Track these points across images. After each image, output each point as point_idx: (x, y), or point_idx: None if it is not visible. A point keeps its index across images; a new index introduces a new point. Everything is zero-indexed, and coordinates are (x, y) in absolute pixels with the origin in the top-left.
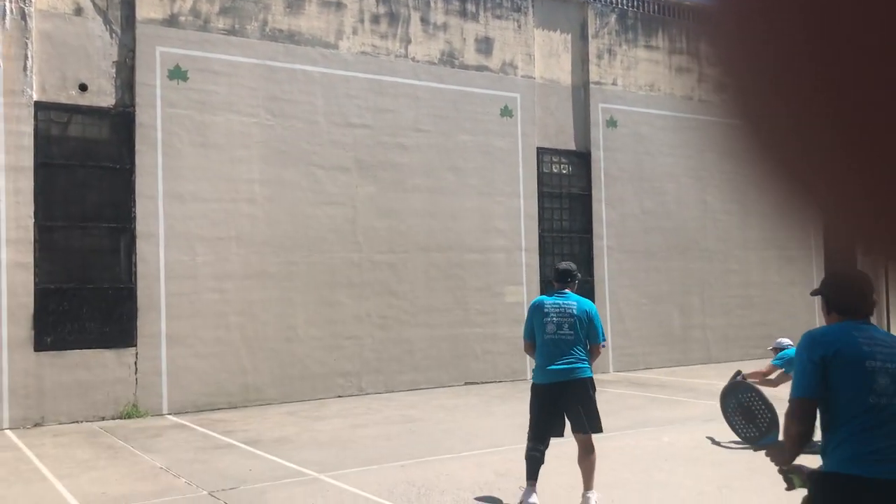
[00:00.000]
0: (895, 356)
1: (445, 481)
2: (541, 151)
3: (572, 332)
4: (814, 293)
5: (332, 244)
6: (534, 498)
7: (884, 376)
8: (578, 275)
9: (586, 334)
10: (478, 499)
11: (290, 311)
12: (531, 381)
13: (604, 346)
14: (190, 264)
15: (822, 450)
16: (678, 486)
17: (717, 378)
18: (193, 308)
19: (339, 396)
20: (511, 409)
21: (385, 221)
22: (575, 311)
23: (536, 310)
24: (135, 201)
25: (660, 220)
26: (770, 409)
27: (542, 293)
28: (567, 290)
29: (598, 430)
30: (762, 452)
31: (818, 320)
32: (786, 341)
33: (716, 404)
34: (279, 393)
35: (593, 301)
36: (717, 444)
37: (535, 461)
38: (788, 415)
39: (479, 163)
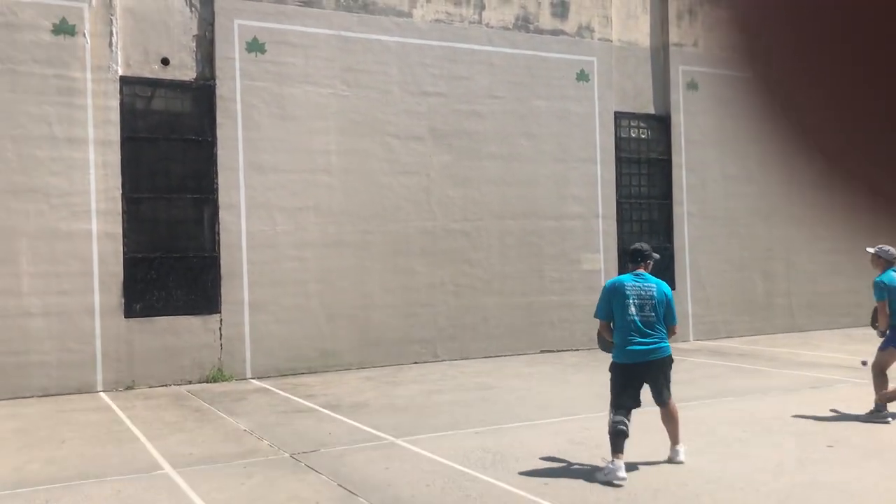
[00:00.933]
0: None
1: (520, 449)
2: (618, 116)
3: (654, 314)
4: None
5: (408, 213)
6: (622, 472)
7: None
8: (653, 254)
9: (664, 315)
10: (552, 466)
11: (366, 278)
12: (612, 360)
13: (677, 328)
14: (270, 233)
15: None
16: (756, 457)
17: (801, 347)
18: (274, 276)
19: (415, 363)
20: (587, 378)
21: (460, 190)
22: (655, 294)
23: (615, 291)
24: (217, 173)
25: (742, 185)
26: None
27: (619, 261)
28: (642, 271)
29: (670, 396)
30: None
31: None
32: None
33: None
34: (357, 358)
35: (673, 269)
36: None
37: (621, 435)
38: None
39: (555, 129)
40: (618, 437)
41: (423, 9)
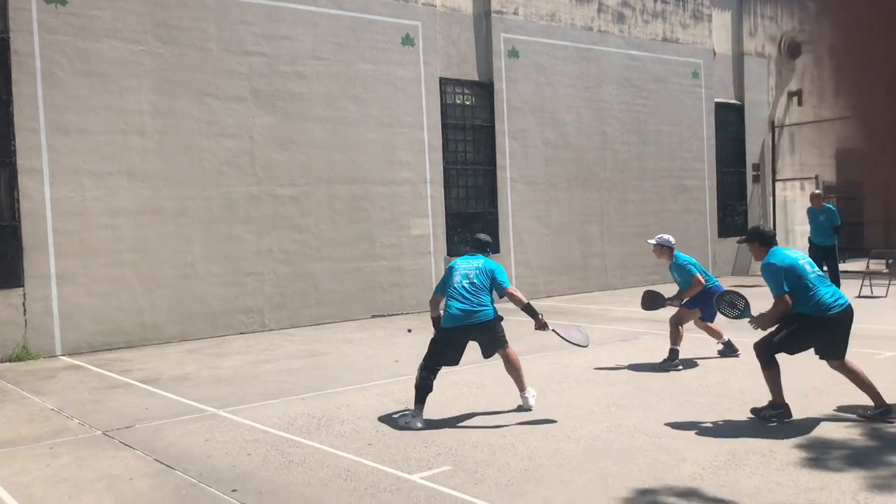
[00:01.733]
0: None
1: (346, 411)
2: (444, 82)
3: (476, 281)
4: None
5: (230, 178)
6: (420, 421)
7: None
8: (485, 242)
9: (491, 284)
10: (377, 426)
11: (187, 247)
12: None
13: (511, 289)
14: (78, 200)
15: None
16: (569, 406)
17: (614, 304)
18: (84, 246)
19: (242, 333)
20: (416, 340)
21: (285, 153)
22: (481, 265)
23: (450, 269)
24: (14, 134)
25: (561, 151)
26: (744, 298)
27: (447, 226)
28: (479, 254)
29: (504, 345)
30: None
31: (710, 247)
32: (669, 238)
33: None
34: (179, 331)
35: (497, 233)
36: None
37: (425, 389)
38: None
39: (382, 93)
40: (421, 392)
41: None
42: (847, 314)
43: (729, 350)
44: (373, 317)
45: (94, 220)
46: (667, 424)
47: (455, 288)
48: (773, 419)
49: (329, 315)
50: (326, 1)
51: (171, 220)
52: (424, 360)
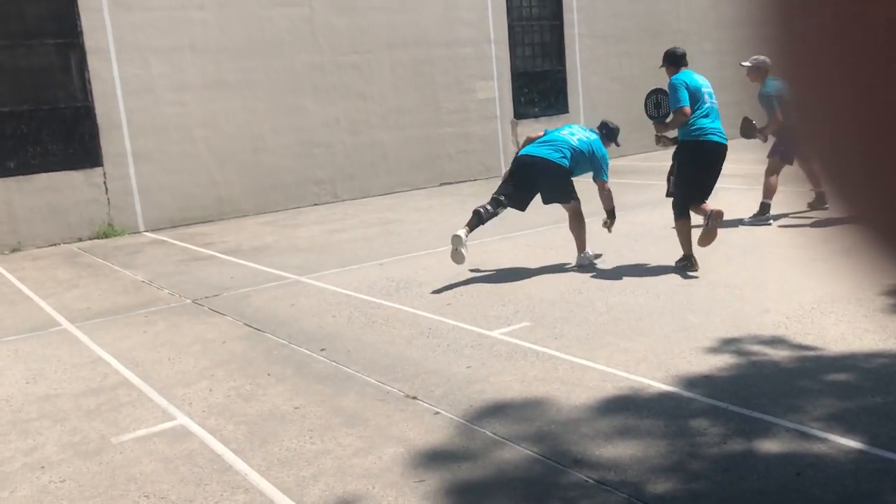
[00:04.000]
0: None
1: (423, 274)
2: None
3: (577, 144)
4: None
5: (292, 47)
6: (461, 236)
7: None
8: (615, 130)
9: (588, 160)
10: (454, 288)
11: (254, 120)
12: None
13: (607, 183)
14: (145, 77)
15: None
16: (648, 262)
17: None
18: (155, 123)
19: (315, 204)
20: None
21: (345, 19)
22: (594, 140)
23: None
24: (79, 14)
25: (631, 2)
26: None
27: (512, 87)
28: (597, 134)
29: (569, 199)
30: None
31: None
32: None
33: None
34: (254, 204)
35: (566, 91)
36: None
37: (479, 216)
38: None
39: None
40: (474, 217)
41: None
42: (719, 148)
43: (819, 203)
44: (441, 184)
45: (162, 96)
46: (749, 277)
47: (549, 134)
48: (683, 269)
49: (399, 184)
50: None
51: (236, 94)
52: (499, 189)
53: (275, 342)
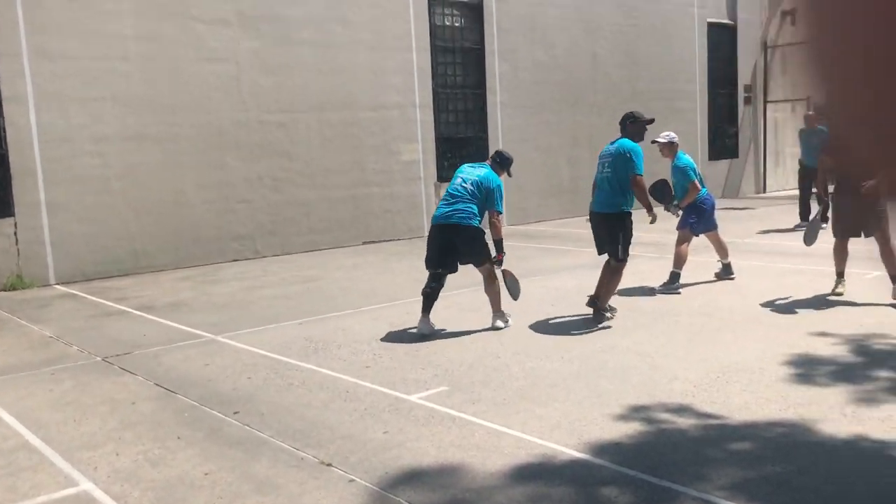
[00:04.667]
0: None
1: (342, 336)
2: (432, 2)
3: (471, 187)
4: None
5: (218, 103)
6: (424, 327)
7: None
8: (508, 159)
9: (483, 198)
10: (374, 349)
11: (176, 174)
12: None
13: (500, 215)
14: (64, 127)
15: None
16: (562, 327)
17: None
18: (72, 173)
19: (235, 260)
20: (409, 265)
21: (272, 78)
22: (482, 175)
23: (456, 172)
24: None
25: (551, 73)
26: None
27: (437, 150)
28: (488, 166)
29: (482, 261)
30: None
31: (700, 169)
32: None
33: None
34: (172, 258)
35: (487, 155)
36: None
37: (426, 297)
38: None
39: (369, 15)
40: (424, 299)
41: None
42: (594, 216)
43: (726, 272)
44: (364, 243)
45: (81, 146)
46: (659, 344)
47: (448, 189)
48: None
49: (322, 242)
50: None
51: (158, 147)
52: (426, 263)
53: (186, 404)
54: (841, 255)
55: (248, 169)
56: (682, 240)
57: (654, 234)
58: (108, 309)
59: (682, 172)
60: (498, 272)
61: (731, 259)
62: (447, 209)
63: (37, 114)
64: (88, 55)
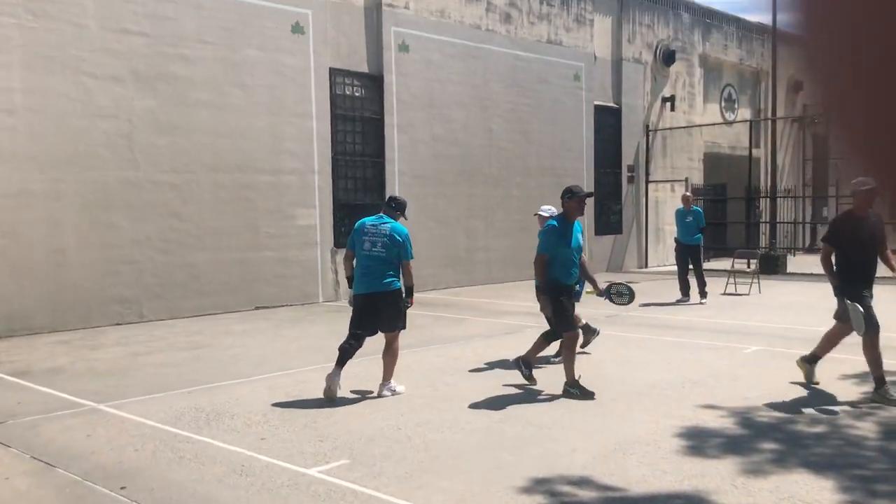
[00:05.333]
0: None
1: (235, 405)
2: (333, 72)
3: (384, 251)
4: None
5: (107, 161)
6: (336, 383)
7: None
8: (402, 203)
9: (397, 253)
10: (269, 420)
11: (58, 233)
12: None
13: (408, 265)
14: None
15: None
16: (461, 399)
17: (498, 297)
18: None
19: (118, 324)
20: (302, 332)
21: (166, 138)
22: (388, 232)
23: (359, 228)
24: None
25: (448, 146)
26: (629, 288)
27: (334, 216)
28: (385, 215)
29: (394, 328)
30: None
31: (587, 244)
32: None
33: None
34: (49, 321)
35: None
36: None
37: (343, 352)
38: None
39: (270, 80)
40: (342, 353)
41: None
42: None
43: (589, 332)
44: (256, 308)
45: None
46: (555, 415)
47: (364, 254)
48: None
49: (211, 306)
50: None
51: (41, 204)
52: (349, 325)
53: (67, 479)
54: (834, 342)
55: (136, 229)
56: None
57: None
58: None
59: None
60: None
61: (617, 332)
62: (369, 280)
63: None
64: None
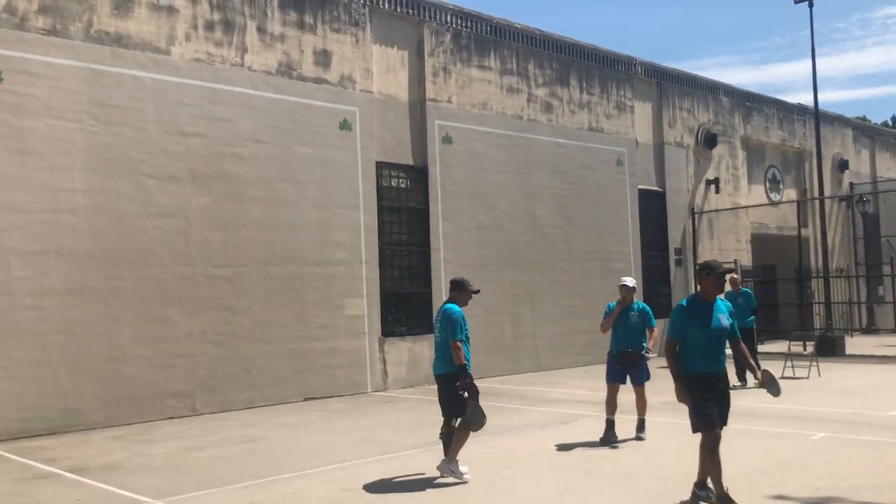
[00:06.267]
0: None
1: (291, 500)
2: (380, 165)
3: (440, 335)
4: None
5: (163, 258)
6: (455, 468)
7: None
8: (461, 284)
9: (446, 335)
10: None
11: (115, 328)
12: None
13: (455, 341)
14: (4, 280)
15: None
16: (520, 493)
17: (547, 385)
18: (7, 327)
19: (171, 418)
20: (352, 424)
21: (220, 234)
22: (441, 318)
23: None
24: None
25: (492, 233)
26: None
27: (381, 305)
28: (447, 302)
29: (450, 414)
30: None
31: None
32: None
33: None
34: (104, 416)
35: (430, 313)
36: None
37: (446, 439)
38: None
39: (319, 175)
40: (444, 441)
41: (181, 47)
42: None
43: (640, 429)
44: (306, 399)
45: (19, 300)
46: None
47: (435, 336)
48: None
49: (262, 398)
50: (266, 86)
51: (100, 301)
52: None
53: None
54: None
55: (190, 323)
56: (614, 390)
57: (599, 392)
58: (38, 471)
59: (645, 315)
60: (464, 395)
61: (673, 419)
62: (435, 361)
63: None
64: (36, 207)
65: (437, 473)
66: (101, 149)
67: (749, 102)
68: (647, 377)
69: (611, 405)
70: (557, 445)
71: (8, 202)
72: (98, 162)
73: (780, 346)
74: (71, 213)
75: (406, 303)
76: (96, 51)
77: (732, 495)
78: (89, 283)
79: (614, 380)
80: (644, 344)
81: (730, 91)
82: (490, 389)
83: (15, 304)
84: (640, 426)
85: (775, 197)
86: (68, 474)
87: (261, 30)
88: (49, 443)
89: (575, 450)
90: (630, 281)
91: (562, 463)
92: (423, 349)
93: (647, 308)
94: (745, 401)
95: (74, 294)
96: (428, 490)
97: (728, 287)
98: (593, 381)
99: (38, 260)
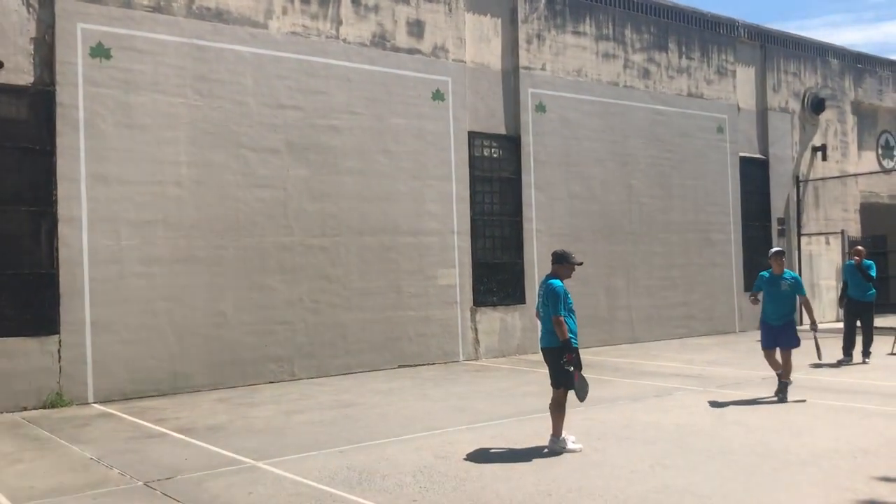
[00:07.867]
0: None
1: (386, 466)
2: (472, 135)
3: (543, 310)
4: None
5: (263, 228)
6: (571, 442)
7: None
8: (563, 256)
9: (548, 310)
10: (420, 481)
11: (219, 295)
12: None
13: (557, 317)
14: (114, 248)
15: None
16: (612, 465)
17: (641, 357)
18: (119, 294)
19: (271, 382)
20: (445, 392)
21: (317, 204)
22: (542, 291)
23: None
24: (56, 184)
25: (586, 203)
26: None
27: (473, 275)
28: (549, 275)
29: (556, 385)
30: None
31: (737, 300)
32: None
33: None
34: (209, 380)
35: (524, 283)
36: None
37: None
38: None
39: (412, 146)
40: None
41: (279, 21)
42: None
43: (783, 393)
44: (399, 367)
45: (129, 268)
46: (715, 485)
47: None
48: None
49: (357, 365)
50: (360, 57)
51: (205, 269)
52: None
53: None
54: None
55: (289, 291)
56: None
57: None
58: (148, 430)
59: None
60: (568, 370)
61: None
62: (542, 334)
63: (89, 235)
64: (143, 180)
65: (529, 443)
66: (204, 122)
67: (861, 64)
68: (796, 343)
69: (773, 365)
70: (650, 419)
71: (118, 175)
72: (201, 135)
73: (889, 321)
74: (176, 185)
75: (498, 273)
76: (198, 26)
77: (836, 477)
78: (194, 252)
79: (767, 346)
80: (792, 314)
81: (840, 52)
82: (584, 361)
83: (125, 271)
84: (783, 388)
85: (888, 164)
86: (176, 434)
87: (355, 2)
88: (158, 403)
89: (668, 424)
90: (780, 249)
91: (654, 436)
92: (514, 319)
93: (798, 277)
94: (848, 377)
95: (180, 262)
96: (520, 460)
97: (834, 258)
98: (689, 353)
99: (146, 229)
